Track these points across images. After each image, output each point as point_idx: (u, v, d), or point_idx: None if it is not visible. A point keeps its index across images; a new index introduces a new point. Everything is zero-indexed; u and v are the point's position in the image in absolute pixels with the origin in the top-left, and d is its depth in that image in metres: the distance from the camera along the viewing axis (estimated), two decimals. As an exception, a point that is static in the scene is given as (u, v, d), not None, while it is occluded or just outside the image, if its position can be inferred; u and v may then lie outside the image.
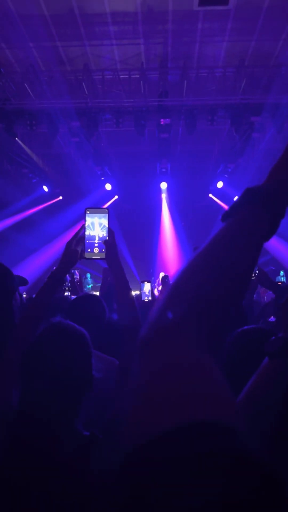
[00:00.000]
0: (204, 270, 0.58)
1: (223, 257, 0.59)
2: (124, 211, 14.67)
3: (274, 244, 12.96)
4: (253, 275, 3.12)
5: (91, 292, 11.54)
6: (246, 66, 9.46)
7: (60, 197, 15.25)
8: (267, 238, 0.63)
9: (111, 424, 1.30)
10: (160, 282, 11.56)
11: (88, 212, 1.79)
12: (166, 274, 6.88)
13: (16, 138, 10.58)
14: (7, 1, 7.52)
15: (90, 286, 12.12)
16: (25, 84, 9.62)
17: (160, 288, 9.52)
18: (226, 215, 0.64)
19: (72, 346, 1.26)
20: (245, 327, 1.32)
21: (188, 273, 0.59)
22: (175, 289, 0.57)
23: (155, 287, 11.24)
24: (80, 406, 1.23)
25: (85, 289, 11.50)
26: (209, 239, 0.61)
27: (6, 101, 9.63)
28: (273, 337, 0.87)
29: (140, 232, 14.93)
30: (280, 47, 8.93)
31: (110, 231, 1.76)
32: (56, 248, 13.48)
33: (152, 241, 15.45)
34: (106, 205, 14.80)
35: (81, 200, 14.30)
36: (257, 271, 3.13)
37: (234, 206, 0.64)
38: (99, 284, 13.00)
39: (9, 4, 7.58)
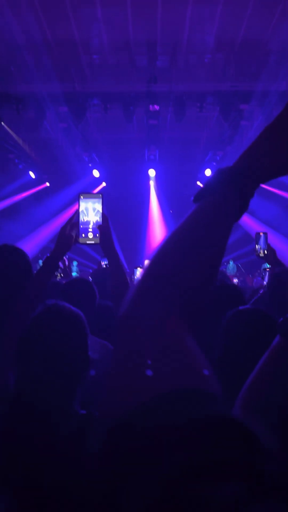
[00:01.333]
0: (177, 251, 0.60)
1: (196, 238, 0.61)
2: (112, 198, 14.57)
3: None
4: (262, 253, 3.01)
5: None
6: (235, 53, 9.41)
7: (47, 184, 15.10)
8: (237, 218, 0.66)
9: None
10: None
11: (82, 197, 1.80)
12: None
13: (2, 123, 10.41)
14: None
15: (74, 274, 12.06)
16: (12, 68, 9.44)
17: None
18: (198, 196, 0.66)
19: (68, 328, 1.27)
20: (241, 307, 1.35)
21: (162, 255, 0.61)
22: (150, 271, 0.60)
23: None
24: (77, 387, 1.25)
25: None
26: (182, 220, 0.63)
27: (-8, 85, 9.45)
28: (283, 317, 0.90)
29: (128, 219, 14.89)
30: (270, 34, 8.88)
31: (104, 216, 1.77)
32: (43, 235, 13.37)
33: (140, 228, 15.45)
34: (94, 192, 14.72)
35: (69, 186, 14.19)
36: (266, 251, 2.98)
37: (205, 188, 0.66)
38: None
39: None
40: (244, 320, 1.30)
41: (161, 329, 0.52)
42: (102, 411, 0.49)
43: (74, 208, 1.82)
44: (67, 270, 4.12)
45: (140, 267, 3.98)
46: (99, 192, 1.98)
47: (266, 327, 1.28)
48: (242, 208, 0.66)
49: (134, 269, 3.95)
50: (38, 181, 14.54)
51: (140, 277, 0.60)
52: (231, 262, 12.95)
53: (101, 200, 1.80)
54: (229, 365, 1.22)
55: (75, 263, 12.58)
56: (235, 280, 11.36)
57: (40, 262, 12.43)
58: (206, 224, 0.63)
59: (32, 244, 13.55)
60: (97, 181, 14.62)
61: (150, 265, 0.60)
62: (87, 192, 1.86)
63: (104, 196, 1.87)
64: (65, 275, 4.02)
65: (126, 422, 0.42)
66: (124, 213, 14.67)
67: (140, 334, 0.51)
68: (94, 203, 1.79)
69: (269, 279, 2.60)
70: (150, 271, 0.60)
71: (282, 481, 0.37)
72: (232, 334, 1.27)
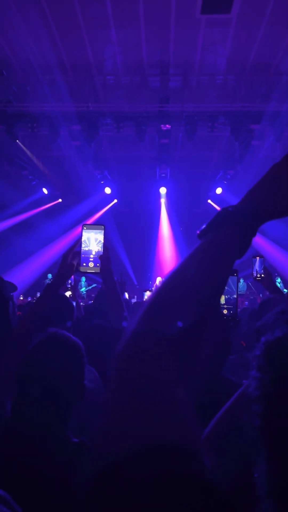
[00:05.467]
0: (178, 289, 0.61)
1: (198, 275, 0.62)
2: (123, 215, 14.71)
3: (269, 250, 13.02)
4: (259, 276, 2.92)
5: (83, 295, 11.55)
6: (246, 74, 9.53)
7: (60, 200, 15.29)
8: (239, 256, 0.67)
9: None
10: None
11: (85, 228, 1.86)
12: None
13: (17, 141, 10.62)
14: (9, 2, 7.55)
15: (83, 289, 12.11)
16: (27, 87, 9.67)
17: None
18: (203, 232, 0.68)
19: (66, 357, 1.29)
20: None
21: (164, 292, 0.62)
22: (151, 309, 0.60)
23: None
24: (71, 415, 1.27)
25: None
26: (185, 256, 0.65)
27: (8, 104, 9.68)
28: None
29: (138, 236, 14.97)
30: (281, 56, 9.00)
31: (105, 246, 1.82)
32: (54, 251, 13.49)
33: (150, 246, 15.49)
34: (105, 209, 14.86)
35: (80, 203, 14.35)
36: (263, 275, 2.91)
37: (210, 225, 0.68)
38: (93, 285, 12.83)
39: (10, 5, 7.61)
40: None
41: (157, 382, 0.52)
42: (94, 448, 0.49)
43: (78, 236, 1.87)
44: (74, 290, 4.19)
45: (150, 290, 3.98)
46: (101, 224, 2.04)
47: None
48: (244, 246, 0.67)
49: (143, 293, 3.97)
50: (51, 197, 14.73)
51: (139, 318, 0.59)
52: (241, 281, 12.87)
53: (103, 231, 1.86)
54: None
55: (83, 278, 12.66)
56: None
57: (50, 276, 12.55)
58: (208, 262, 0.64)
59: (43, 260, 13.68)
60: (109, 198, 14.75)
61: (150, 307, 0.60)
62: (90, 224, 1.92)
63: (115, 213, 1.91)
64: (73, 294, 4.10)
65: (111, 470, 0.44)
66: (134, 230, 14.76)
67: (135, 385, 0.51)
68: (96, 233, 1.85)
69: (258, 306, 2.58)
70: (150, 313, 0.59)
71: None
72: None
